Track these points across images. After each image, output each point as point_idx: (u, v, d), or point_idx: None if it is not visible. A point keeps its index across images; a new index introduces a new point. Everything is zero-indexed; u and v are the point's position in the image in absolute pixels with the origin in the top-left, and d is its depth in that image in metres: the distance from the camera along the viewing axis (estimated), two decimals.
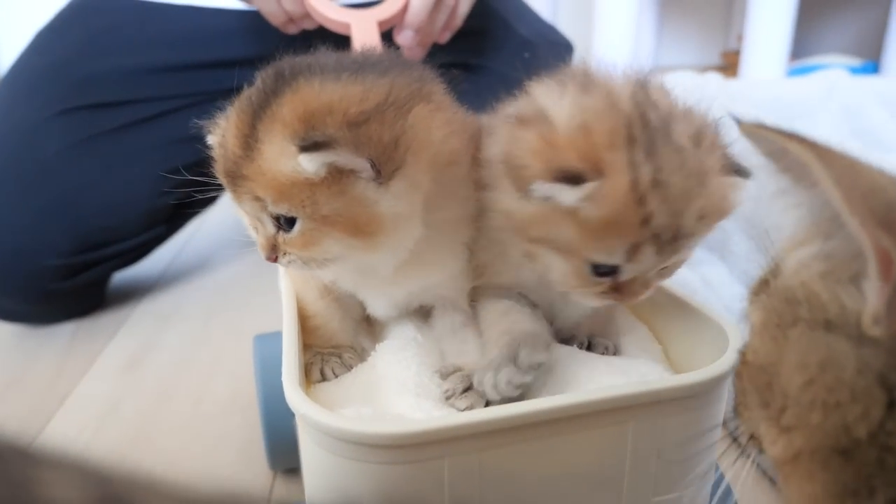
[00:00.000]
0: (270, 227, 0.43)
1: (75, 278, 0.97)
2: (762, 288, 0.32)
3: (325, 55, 0.47)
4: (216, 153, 0.45)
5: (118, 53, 1.00)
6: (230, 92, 1.07)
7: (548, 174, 0.38)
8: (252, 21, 0.99)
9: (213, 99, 1.07)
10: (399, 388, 0.45)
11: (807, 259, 0.29)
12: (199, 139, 1.06)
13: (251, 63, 1.07)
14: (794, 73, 2.16)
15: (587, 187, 0.37)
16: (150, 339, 0.99)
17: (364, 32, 0.77)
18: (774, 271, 0.31)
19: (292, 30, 0.93)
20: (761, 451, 0.31)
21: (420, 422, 0.37)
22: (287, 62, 0.45)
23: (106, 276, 1.06)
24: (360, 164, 0.39)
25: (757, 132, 0.27)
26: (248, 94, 0.44)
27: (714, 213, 0.40)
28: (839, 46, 2.55)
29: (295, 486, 0.66)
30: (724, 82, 1.48)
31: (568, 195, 0.37)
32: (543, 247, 0.41)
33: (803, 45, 2.37)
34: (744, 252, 0.94)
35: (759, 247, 0.89)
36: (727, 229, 0.98)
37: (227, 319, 1.04)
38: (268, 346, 0.62)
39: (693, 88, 1.38)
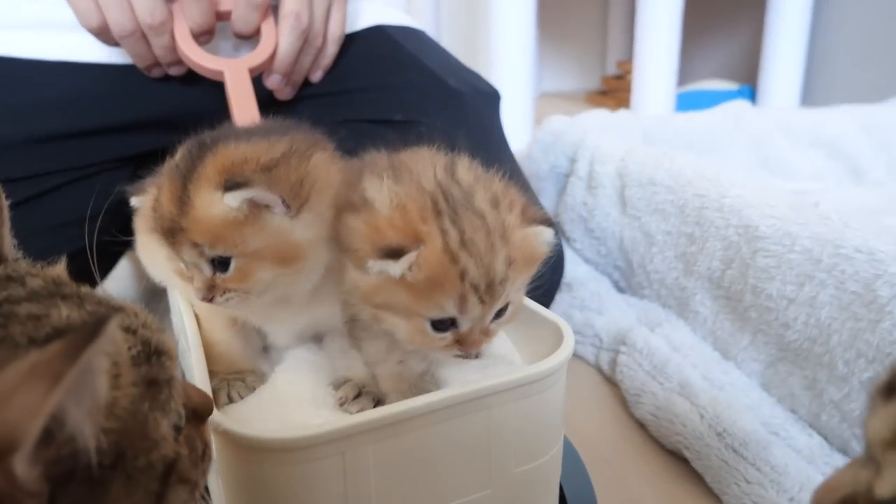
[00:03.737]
0: (207, 271, 0.51)
1: None
2: None
3: (234, 128, 0.59)
4: (151, 216, 0.53)
5: None
6: (115, 162, 0.92)
7: (375, 253, 0.46)
8: (130, 81, 0.89)
9: (98, 172, 0.92)
10: (298, 401, 0.54)
11: None
12: (85, 220, 0.90)
13: (134, 129, 0.93)
14: (682, 98, 2.21)
15: (408, 258, 0.45)
16: None
17: (237, 79, 0.81)
18: None
19: (156, 73, 0.88)
20: None
21: (321, 425, 0.44)
22: (206, 134, 0.55)
23: None
24: (273, 199, 0.49)
25: None
26: (175, 163, 0.52)
27: (522, 260, 0.48)
28: (717, 71, 2.65)
29: None
30: (636, 118, 1.46)
31: (394, 268, 0.45)
32: (386, 311, 0.49)
33: (685, 71, 2.44)
34: (709, 313, 0.89)
35: (726, 308, 0.85)
36: (688, 288, 0.92)
37: None
38: None
39: (609, 125, 1.35)
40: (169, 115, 0.93)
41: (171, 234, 0.51)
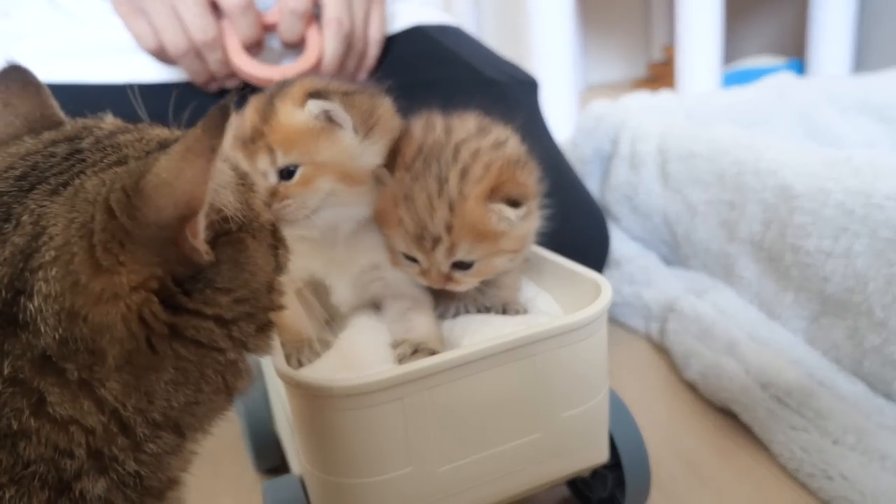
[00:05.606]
0: (273, 178, 0.56)
1: None
2: None
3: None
4: (232, 137, 0.58)
5: None
6: None
7: None
8: (190, 97, 0.94)
9: None
10: (361, 360, 0.57)
11: None
12: None
13: None
14: (729, 78, 2.20)
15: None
16: None
17: None
18: None
19: (213, 87, 0.93)
20: None
21: (381, 371, 0.49)
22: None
23: None
24: (346, 119, 0.56)
25: None
26: (261, 93, 0.59)
27: (466, 228, 0.55)
28: (764, 48, 2.62)
29: None
30: (678, 97, 1.48)
31: (379, 182, 0.58)
32: (385, 230, 0.59)
33: (730, 49, 2.43)
34: (753, 277, 0.91)
35: (768, 269, 0.87)
36: (732, 254, 0.95)
37: None
38: None
39: (651, 107, 1.37)
40: None
41: (252, 141, 0.57)
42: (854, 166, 0.75)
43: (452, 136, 0.59)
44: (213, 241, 0.34)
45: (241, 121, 0.58)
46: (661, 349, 0.99)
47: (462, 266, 0.58)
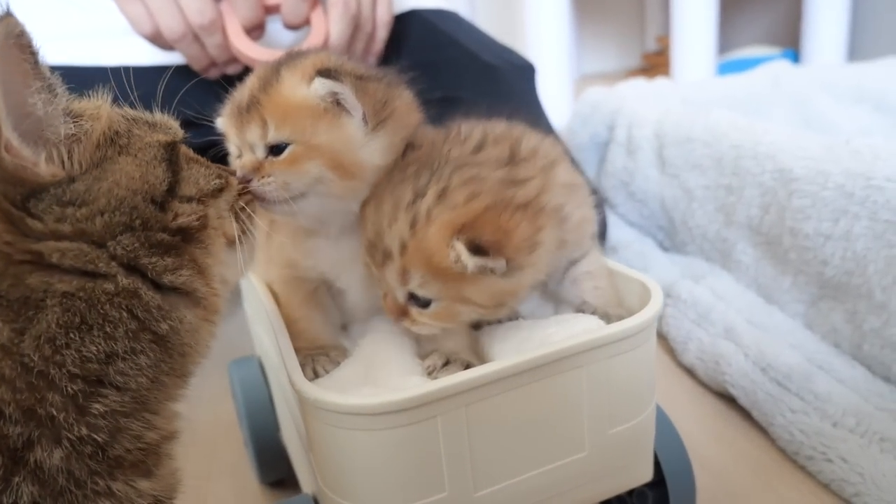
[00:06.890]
0: (261, 153, 0.51)
1: None
2: None
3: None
4: (227, 110, 0.54)
5: None
6: None
7: None
8: (186, 82, 0.93)
9: None
10: (385, 372, 0.52)
11: None
12: None
13: (192, 127, 1.00)
14: (723, 67, 2.19)
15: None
16: None
17: None
18: None
19: (214, 74, 0.90)
20: None
21: (416, 388, 0.43)
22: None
23: None
24: (356, 105, 0.50)
25: None
26: (270, 62, 0.55)
27: (420, 256, 0.47)
28: (759, 38, 2.62)
29: (283, 495, 0.75)
30: (674, 85, 1.47)
31: None
32: None
33: (725, 39, 2.42)
34: (751, 261, 0.91)
35: (766, 253, 0.86)
36: (729, 239, 0.94)
37: None
38: (243, 369, 0.74)
39: (646, 94, 1.36)
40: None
41: (246, 109, 0.51)
42: (853, 149, 0.75)
43: (477, 155, 0.51)
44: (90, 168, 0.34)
45: (241, 88, 0.53)
46: (659, 334, 0.98)
47: (420, 302, 0.50)
